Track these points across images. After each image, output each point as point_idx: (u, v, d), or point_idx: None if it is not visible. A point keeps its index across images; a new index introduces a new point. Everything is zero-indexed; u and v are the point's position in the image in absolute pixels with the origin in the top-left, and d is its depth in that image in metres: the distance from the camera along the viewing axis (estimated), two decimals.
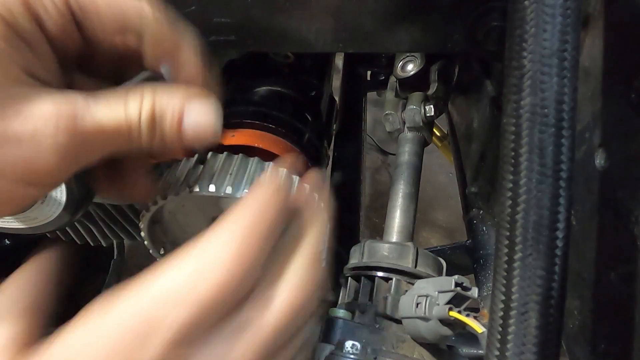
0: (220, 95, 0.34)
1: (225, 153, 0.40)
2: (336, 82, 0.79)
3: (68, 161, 0.25)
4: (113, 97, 0.26)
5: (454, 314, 0.35)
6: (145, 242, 0.42)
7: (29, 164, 0.24)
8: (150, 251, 0.43)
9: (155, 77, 0.32)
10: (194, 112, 0.28)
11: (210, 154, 0.40)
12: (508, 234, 0.27)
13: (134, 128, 0.26)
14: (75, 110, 0.25)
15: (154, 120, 0.27)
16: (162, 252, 0.44)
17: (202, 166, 0.38)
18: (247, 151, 0.41)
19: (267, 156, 0.42)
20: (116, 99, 0.26)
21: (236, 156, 0.40)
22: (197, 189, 0.36)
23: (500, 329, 0.26)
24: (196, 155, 0.39)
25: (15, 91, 0.24)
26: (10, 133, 0.23)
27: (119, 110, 0.26)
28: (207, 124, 0.28)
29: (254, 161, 0.40)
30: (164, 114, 0.27)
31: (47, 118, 0.24)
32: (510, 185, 0.27)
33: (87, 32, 0.28)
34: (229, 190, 0.36)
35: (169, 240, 0.44)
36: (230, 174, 0.37)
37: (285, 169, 0.34)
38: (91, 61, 0.31)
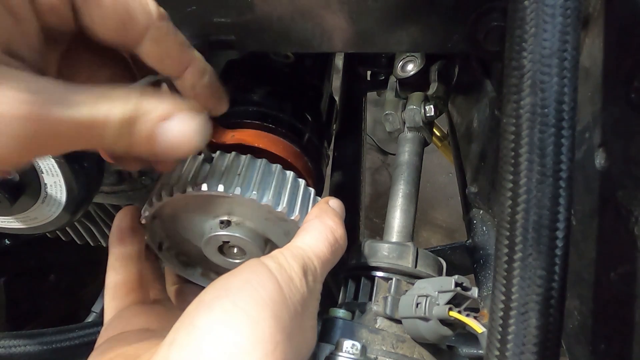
0: (225, 106, 0.35)
1: (233, 153, 0.40)
2: (336, 82, 0.79)
3: (28, 150, 0.24)
4: (95, 93, 0.25)
5: (454, 314, 0.35)
6: (145, 237, 0.42)
7: None
8: (148, 244, 0.43)
9: (161, 82, 0.31)
10: (175, 123, 0.27)
11: (217, 153, 0.40)
12: (508, 234, 0.27)
13: (109, 127, 0.25)
14: (49, 99, 0.23)
15: (130, 124, 0.25)
16: (159, 247, 0.44)
17: (209, 165, 0.38)
18: (247, 151, 0.41)
19: (267, 156, 0.42)
20: (98, 95, 0.25)
21: (244, 157, 0.40)
22: (204, 188, 0.36)
23: (500, 329, 0.26)
24: (203, 154, 0.39)
25: None
26: None
27: (99, 106, 0.25)
28: (186, 137, 0.27)
29: (262, 162, 0.40)
30: (142, 118, 0.26)
31: (13, 102, 0.22)
32: (510, 185, 0.27)
33: (85, 21, 0.27)
34: (237, 190, 0.36)
35: (166, 235, 0.44)
36: (239, 174, 0.37)
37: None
38: (83, 49, 0.30)
